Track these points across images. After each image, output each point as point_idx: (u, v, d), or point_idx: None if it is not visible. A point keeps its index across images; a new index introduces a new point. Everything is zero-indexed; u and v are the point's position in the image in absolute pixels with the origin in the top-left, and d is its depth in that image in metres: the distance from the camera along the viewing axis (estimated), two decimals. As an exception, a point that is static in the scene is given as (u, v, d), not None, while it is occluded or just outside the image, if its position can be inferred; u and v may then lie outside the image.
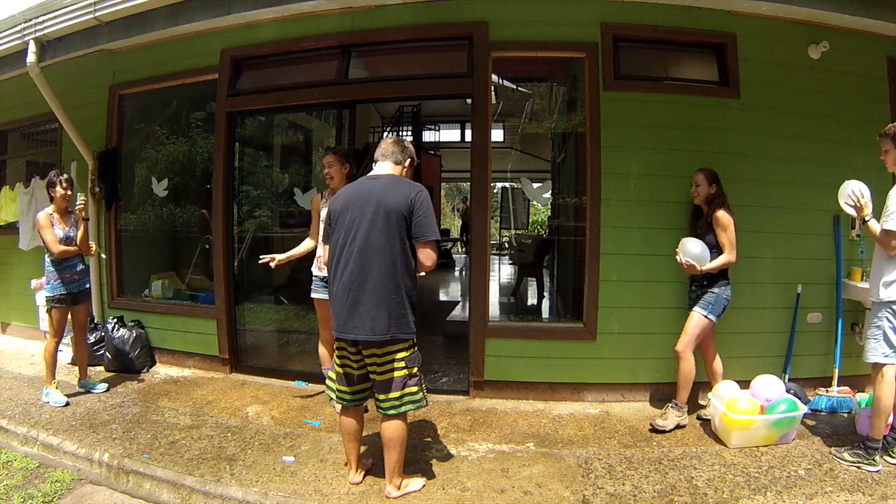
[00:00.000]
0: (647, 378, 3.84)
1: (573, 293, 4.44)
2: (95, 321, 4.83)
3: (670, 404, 3.39)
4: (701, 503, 2.52)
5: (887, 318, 2.80)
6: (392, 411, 2.50)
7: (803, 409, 3.16)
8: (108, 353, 4.57)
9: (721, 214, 3.30)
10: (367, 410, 3.05)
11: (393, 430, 2.52)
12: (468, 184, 4.97)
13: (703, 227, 3.40)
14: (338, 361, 2.64)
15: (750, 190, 3.78)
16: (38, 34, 4.33)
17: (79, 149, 4.85)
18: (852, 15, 3.55)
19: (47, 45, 4.44)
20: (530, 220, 8.77)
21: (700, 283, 3.42)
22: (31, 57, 4.36)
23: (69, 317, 3.97)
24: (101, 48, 4.45)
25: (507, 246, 9.56)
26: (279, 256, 3.56)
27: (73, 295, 3.89)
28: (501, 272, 8.36)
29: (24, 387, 4.16)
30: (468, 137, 4.77)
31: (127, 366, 4.51)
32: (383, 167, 2.63)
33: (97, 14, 4.05)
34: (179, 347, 4.71)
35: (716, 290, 3.34)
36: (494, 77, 4.09)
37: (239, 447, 3.12)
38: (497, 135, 8.54)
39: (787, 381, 3.64)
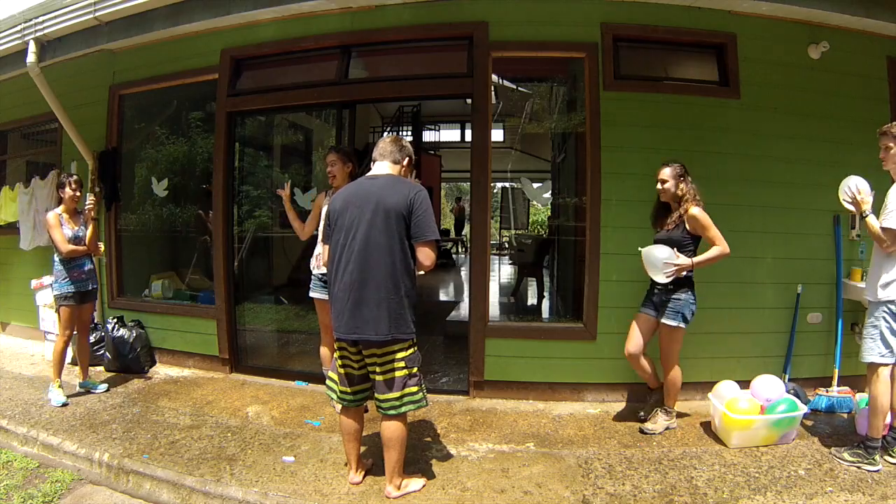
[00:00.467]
0: (647, 378, 3.83)
1: (573, 293, 4.44)
2: (95, 321, 4.83)
3: (660, 409, 3.36)
4: (701, 503, 2.52)
5: (884, 317, 2.80)
6: (392, 411, 2.50)
7: (803, 409, 3.16)
8: (108, 353, 4.57)
9: (699, 214, 3.07)
10: (367, 410, 3.05)
11: (393, 430, 2.52)
12: (468, 184, 4.97)
13: (674, 223, 3.16)
14: (339, 362, 2.64)
15: (750, 190, 3.79)
16: (38, 34, 4.32)
17: (79, 149, 4.85)
18: (852, 15, 3.55)
19: (47, 45, 4.44)
20: (530, 220, 8.78)
21: (665, 286, 3.16)
22: (31, 57, 4.36)
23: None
24: (101, 48, 4.45)
25: (507, 246, 9.56)
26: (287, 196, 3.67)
27: (81, 294, 3.93)
28: (501, 272, 8.36)
29: (24, 387, 4.16)
30: (468, 137, 4.77)
31: (127, 366, 4.52)
32: (382, 167, 2.63)
33: (97, 14, 4.05)
34: (179, 347, 4.71)
35: (682, 295, 3.13)
36: (494, 77, 4.09)
37: (239, 447, 3.12)
38: (497, 135, 8.54)
39: (787, 381, 3.64)
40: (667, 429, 3.32)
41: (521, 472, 2.83)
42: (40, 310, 4.94)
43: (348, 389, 2.63)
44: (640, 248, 3.16)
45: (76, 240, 3.89)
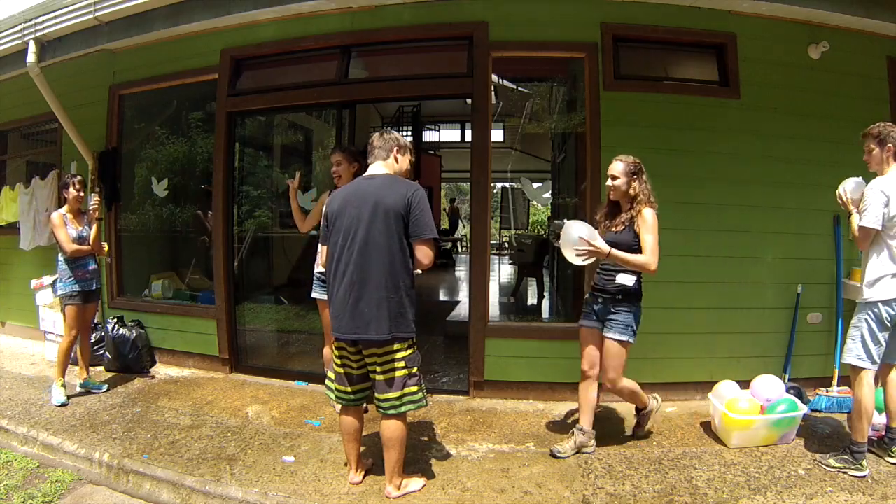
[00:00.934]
0: (648, 378, 3.81)
1: (573, 293, 4.44)
2: (95, 321, 4.83)
3: (576, 428, 3.04)
4: (701, 503, 2.52)
5: (867, 320, 2.76)
6: (392, 411, 2.50)
7: (803, 409, 3.16)
8: (108, 353, 4.57)
9: (649, 216, 2.79)
10: (367, 410, 3.05)
11: (393, 429, 2.52)
12: (468, 184, 4.97)
13: (623, 224, 2.88)
14: (337, 361, 2.64)
15: (750, 190, 3.79)
16: (38, 34, 4.33)
17: (79, 149, 4.85)
18: (852, 15, 3.55)
19: (47, 45, 4.44)
20: (530, 220, 8.79)
21: (612, 296, 2.89)
22: (31, 57, 4.36)
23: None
24: (101, 48, 4.45)
25: (507, 246, 9.57)
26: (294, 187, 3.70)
27: (85, 294, 3.94)
28: (501, 272, 8.37)
29: (24, 387, 4.16)
30: (468, 137, 4.78)
31: (127, 366, 4.51)
32: (376, 167, 2.64)
33: (97, 14, 4.05)
34: (179, 347, 4.71)
35: (632, 308, 2.88)
36: (494, 77, 4.10)
37: (239, 447, 3.12)
38: (497, 135, 8.55)
39: (787, 381, 3.64)
40: (579, 452, 3.00)
41: (521, 472, 2.83)
42: (40, 310, 4.94)
43: (348, 389, 2.63)
44: (564, 220, 2.89)
45: (80, 240, 3.90)
